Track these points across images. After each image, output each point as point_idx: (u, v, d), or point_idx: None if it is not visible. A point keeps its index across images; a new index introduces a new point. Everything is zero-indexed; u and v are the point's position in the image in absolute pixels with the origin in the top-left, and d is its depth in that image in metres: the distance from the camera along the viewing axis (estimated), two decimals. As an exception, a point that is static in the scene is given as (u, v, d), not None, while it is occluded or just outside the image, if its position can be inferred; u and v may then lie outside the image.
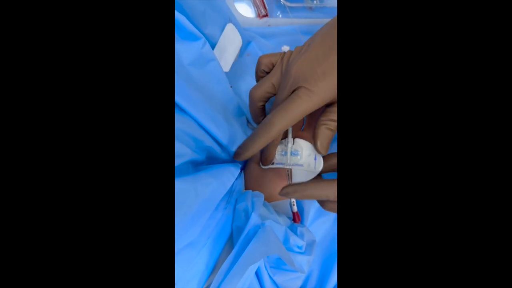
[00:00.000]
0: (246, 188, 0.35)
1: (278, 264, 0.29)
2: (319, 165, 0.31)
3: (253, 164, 0.36)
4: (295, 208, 0.35)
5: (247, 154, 0.29)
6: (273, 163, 0.33)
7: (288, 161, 0.32)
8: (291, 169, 0.33)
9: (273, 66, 0.30)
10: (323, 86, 0.25)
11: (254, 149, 0.29)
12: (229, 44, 0.35)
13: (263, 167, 0.34)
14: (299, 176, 0.32)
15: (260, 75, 0.31)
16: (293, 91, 0.26)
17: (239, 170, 0.31)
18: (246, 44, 0.39)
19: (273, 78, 0.29)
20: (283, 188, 0.30)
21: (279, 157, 0.34)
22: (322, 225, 0.39)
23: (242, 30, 0.38)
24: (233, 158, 0.32)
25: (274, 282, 0.29)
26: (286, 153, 0.33)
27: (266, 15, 0.43)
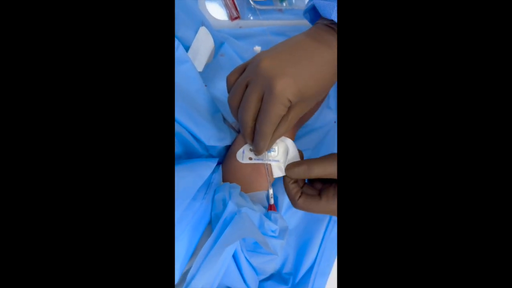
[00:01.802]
0: (224, 181, 0.38)
1: (254, 248, 0.32)
2: (295, 159, 0.34)
3: (231, 160, 0.38)
4: (271, 201, 0.38)
5: (259, 152, 0.32)
6: (251, 159, 0.36)
7: (266, 157, 0.35)
8: (269, 164, 0.36)
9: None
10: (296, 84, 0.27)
11: (260, 149, 0.31)
12: (202, 46, 0.37)
13: (242, 161, 0.36)
14: (276, 171, 0.35)
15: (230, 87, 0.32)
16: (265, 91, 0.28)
17: (215, 164, 0.33)
18: (219, 45, 0.41)
19: (245, 79, 0.29)
20: (293, 170, 0.31)
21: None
22: (296, 213, 0.42)
23: (214, 32, 0.41)
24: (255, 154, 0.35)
25: (250, 265, 0.31)
26: None
27: (237, 18, 0.45)
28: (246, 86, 0.29)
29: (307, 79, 0.27)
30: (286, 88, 0.26)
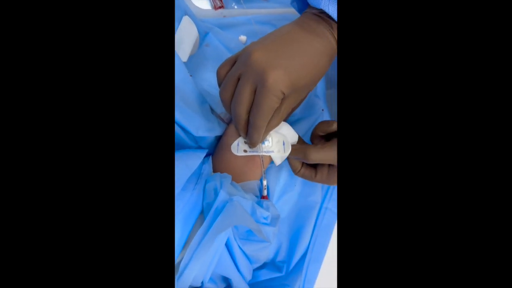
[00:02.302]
0: (215, 171, 0.37)
1: (247, 236, 0.32)
2: (288, 148, 0.35)
3: (224, 151, 0.38)
4: (264, 192, 0.38)
5: (254, 145, 0.33)
6: (246, 151, 0.36)
7: (261, 149, 0.35)
8: (264, 155, 0.36)
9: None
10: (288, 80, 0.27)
11: (255, 142, 0.32)
12: (186, 36, 0.36)
13: (237, 154, 0.36)
14: (278, 161, 0.35)
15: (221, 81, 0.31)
16: (257, 84, 0.27)
17: (204, 154, 0.33)
18: (203, 35, 0.41)
19: (236, 72, 0.28)
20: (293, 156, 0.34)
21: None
22: (288, 202, 0.42)
23: (198, 21, 0.40)
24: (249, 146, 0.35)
25: (243, 252, 0.31)
26: None
27: (221, 7, 0.45)
28: (238, 79, 0.28)
29: (299, 70, 0.27)
30: (278, 80, 0.26)
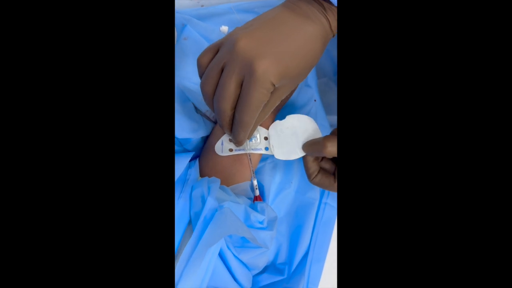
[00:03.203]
0: (203, 176, 0.35)
1: (242, 243, 0.30)
2: (316, 135, 0.32)
3: (210, 152, 0.35)
4: (257, 192, 0.35)
5: (239, 144, 0.30)
6: (232, 150, 0.33)
7: (248, 146, 0.32)
8: (252, 154, 0.33)
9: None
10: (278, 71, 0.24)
11: (241, 141, 0.29)
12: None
13: (221, 154, 0.33)
14: (278, 154, 0.33)
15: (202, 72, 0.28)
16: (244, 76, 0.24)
17: (189, 158, 0.30)
18: (181, 28, 0.38)
19: (218, 60, 0.25)
20: (308, 148, 0.30)
21: None
22: (285, 200, 0.39)
23: (174, 13, 0.37)
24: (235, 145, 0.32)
25: (240, 261, 0.29)
26: None
27: (199, -4, 0.41)
28: (222, 70, 0.25)
29: (290, 58, 0.25)
30: (268, 71, 0.23)
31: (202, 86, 0.26)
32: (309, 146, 0.30)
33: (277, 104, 0.29)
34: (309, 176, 0.31)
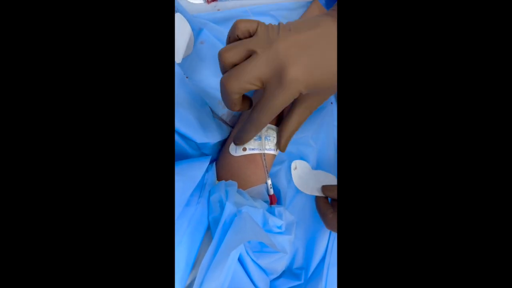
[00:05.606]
0: (219, 179, 0.35)
1: (261, 248, 0.29)
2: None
3: (225, 155, 0.35)
4: (271, 191, 0.35)
5: (244, 142, 0.31)
6: (245, 149, 0.33)
7: (263, 146, 0.32)
8: (266, 154, 0.33)
9: (249, 35, 0.26)
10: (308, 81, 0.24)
11: (248, 139, 0.30)
12: (179, 35, 0.33)
13: (235, 154, 0.33)
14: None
15: (233, 40, 0.27)
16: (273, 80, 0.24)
17: (208, 163, 0.30)
18: (198, 32, 0.38)
19: (250, 45, 0.24)
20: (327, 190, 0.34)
21: (251, 143, 0.33)
22: (302, 203, 0.39)
23: (191, 17, 0.37)
24: (234, 143, 0.33)
25: (259, 266, 0.29)
26: (259, 138, 0.33)
27: (214, 0, 0.41)
28: (249, 54, 0.24)
29: (323, 71, 0.24)
30: (299, 79, 0.23)
31: (223, 52, 0.25)
32: (329, 189, 0.33)
33: (308, 115, 0.29)
34: (323, 217, 0.32)
